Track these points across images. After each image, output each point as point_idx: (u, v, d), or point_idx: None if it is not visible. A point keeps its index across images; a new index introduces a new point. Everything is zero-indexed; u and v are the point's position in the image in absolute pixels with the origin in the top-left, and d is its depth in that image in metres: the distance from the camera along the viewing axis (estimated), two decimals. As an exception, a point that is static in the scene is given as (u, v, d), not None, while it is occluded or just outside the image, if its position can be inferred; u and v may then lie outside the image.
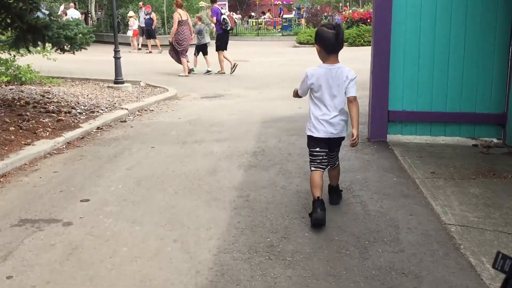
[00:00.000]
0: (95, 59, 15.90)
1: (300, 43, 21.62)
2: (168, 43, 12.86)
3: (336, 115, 3.35)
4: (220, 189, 4.07)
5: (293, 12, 35.59)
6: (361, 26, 21.10)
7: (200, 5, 25.45)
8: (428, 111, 5.16)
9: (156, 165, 4.81)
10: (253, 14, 34.13)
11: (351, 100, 3.35)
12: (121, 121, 7.06)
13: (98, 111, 7.33)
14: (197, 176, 4.43)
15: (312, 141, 3.45)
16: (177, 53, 12.62)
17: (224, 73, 13.02)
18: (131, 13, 20.31)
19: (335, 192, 3.70)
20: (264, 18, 31.61)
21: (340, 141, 3.52)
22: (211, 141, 5.71)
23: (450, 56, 5.06)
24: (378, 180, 4.12)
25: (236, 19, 19.79)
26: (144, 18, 19.46)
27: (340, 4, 27.92)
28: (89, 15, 27.72)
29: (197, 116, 7.33)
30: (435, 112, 5.15)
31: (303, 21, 26.64)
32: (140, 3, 21.18)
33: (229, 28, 12.86)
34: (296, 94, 3.70)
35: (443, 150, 4.98)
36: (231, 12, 13.41)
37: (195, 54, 13.56)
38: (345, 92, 3.35)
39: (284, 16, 31.29)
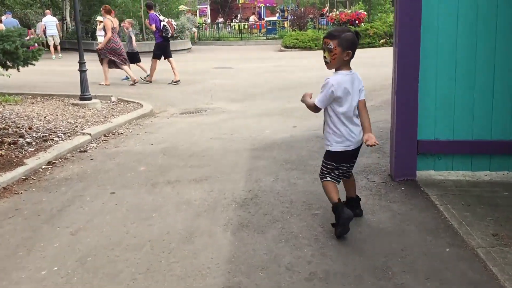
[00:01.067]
0: (66, 70, 14.47)
1: (286, 46, 20.41)
2: (99, 52, 11.66)
3: (359, 124, 3.16)
4: (199, 272, 2.78)
5: (277, 15, 34.41)
6: (349, 27, 19.95)
7: (180, 9, 24.13)
8: (468, 140, 3.94)
9: (113, 225, 3.50)
10: (237, 17, 32.79)
11: (364, 104, 3.19)
12: (81, 151, 5.73)
13: (53, 139, 5.98)
14: (166, 246, 3.13)
15: (338, 156, 3.19)
16: (113, 62, 11.58)
17: (151, 82, 11.99)
18: (99, 18, 18.34)
19: (356, 203, 3.43)
20: (239, 22, 30.33)
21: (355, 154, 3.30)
22: (188, 182, 4.41)
23: (497, 69, 3.84)
24: (424, 253, 2.86)
25: (220, 22, 18.31)
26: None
27: (327, 7, 26.77)
28: (65, 22, 26.16)
29: (174, 142, 6.03)
30: (478, 141, 3.93)
31: (287, 23, 25.43)
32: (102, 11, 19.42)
33: (169, 35, 12.00)
34: (314, 108, 3.23)
35: (493, 192, 3.75)
36: (170, 19, 12.52)
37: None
38: None
39: (268, 18, 30.06)
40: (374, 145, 3.06)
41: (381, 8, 22.79)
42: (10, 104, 8.37)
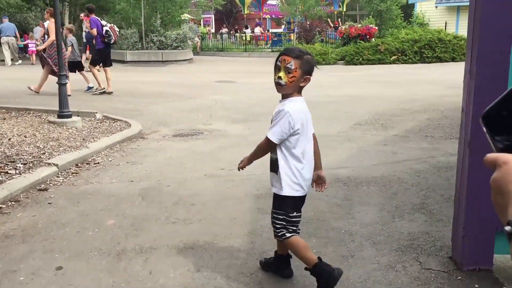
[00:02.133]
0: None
1: (292, 60, 19.27)
2: (40, 55, 10.58)
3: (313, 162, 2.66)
4: None
5: (282, 26, 33.34)
6: (360, 42, 18.83)
7: (183, 18, 23.05)
8: None
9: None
10: (248, 28, 31.58)
11: (315, 138, 2.69)
12: (40, 189, 4.51)
13: (8, 171, 4.76)
14: None
15: (294, 202, 2.59)
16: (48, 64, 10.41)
17: (104, 88, 10.99)
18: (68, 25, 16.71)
19: (286, 262, 2.81)
20: (245, 33, 29.25)
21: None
22: (168, 251, 3.19)
23: None
24: None
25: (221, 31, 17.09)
26: (85, 32, 16.60)
27: (333, 22, 25.69)
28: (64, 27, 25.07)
29: (159, 179, 4.81)
30: None
31: (293, 36, 24.35)
32: (81, 15, 18.20)
33: (112, 41, 11.08)
34: (267, 145, 2.63)
35: None
36: (113, 24, 11.52)
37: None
38: None
39: (273, 30, 28.98)
40: (322, 191, 2.74)
41: (392, 23, 21.67)
42: (-24, 120, 7.18)
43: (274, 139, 2.52)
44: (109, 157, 5.84)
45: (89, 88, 11.28)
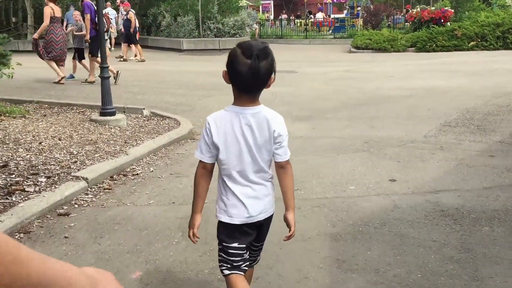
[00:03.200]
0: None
1: (357, 47, 17.74)
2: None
3: (261, 182, 2.04)
4: None
5: (345, 12, 31.53)
6: (433, 27, 16.99)
7: (241, 4, 21.99)
8: None
9: None
10: (310, 14, 30.03)
11: (283, 166, 2.05)
12: (60, 214, 3.59)
13: (25, 189, 3.89)
14: None
15: (227, 230, 2.04)
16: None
17: (94, 82, 9.92)
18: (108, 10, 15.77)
19: None
20: (311, 19, 27.75)
21: (268, 224, 2.12)
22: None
23: None
24: None
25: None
26: (122, 19, 15.52)
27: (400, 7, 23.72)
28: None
29: (206, 202, 3.79)
30: None
31: (358, 21, 22.66)
32: (118, 1, 17.18)
33: (105, 29, 10.03)
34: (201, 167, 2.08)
35: None
36: (107, 12, 10.33)
37: (74, 58, 10.75)
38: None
39: (335, 15, 27.33)
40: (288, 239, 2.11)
41: (470, 5, 19.54)
42: (14, 117, 6.46)
43: (197, 154, 2.08)
44: (151, 166, 4.89)
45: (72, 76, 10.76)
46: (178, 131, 6.20)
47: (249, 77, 1.91)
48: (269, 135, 1.98)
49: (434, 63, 13.60)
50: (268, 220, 2.11)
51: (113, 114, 6.36)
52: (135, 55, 15.01)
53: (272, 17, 35.66)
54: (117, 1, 17.32)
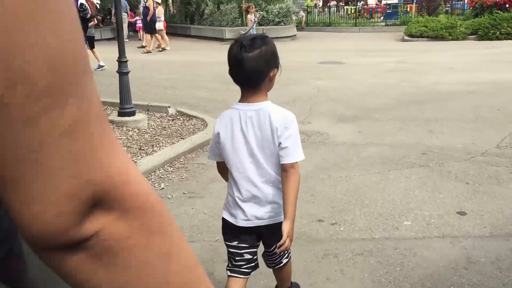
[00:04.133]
0: (146, 59, 12.08)
1: (411, 35, 16.32)
2: None
3: (264, 182, 1.88)
4: None
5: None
6: (497, 13, 15.32)
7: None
8: None
9: None
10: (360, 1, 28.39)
11: (285, 169, 1.84)
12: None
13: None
14: None
15: (226, 228, 2.01)
16: None
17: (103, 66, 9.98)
18: None
19: None
20: (364, 4, 26.20)
21: (277, 231, 1.85)
22: None
23: None
24: None
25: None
26: (142, 6, 14.61)
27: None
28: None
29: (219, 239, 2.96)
30: None
31: (412, 7, 21.04)
32: None
33: (88, 16, 9.49)
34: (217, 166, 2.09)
35: None
36: None
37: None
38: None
39: (388, 1, 25.65)
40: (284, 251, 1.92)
41: (540, -12, 17.56)
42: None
43: (211, 155, 2.03)
44: (162, 181, 4.12)
45: (100, 66, 10.35)
46: (202, 135, 5.41)
47: (235, 69, 1.82)
48: (271, 134, 1.82)
49: (499, 53, 12.11)
50: (271, 228, 1.91)
51: (132, 114, 5.63)
52: (158, 45, 14.39)
53: (320, 3, 34.24)
54: None
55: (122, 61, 5.48)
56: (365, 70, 10.27)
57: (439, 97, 7.30)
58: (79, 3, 9.48)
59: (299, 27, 22.27)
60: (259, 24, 17.46)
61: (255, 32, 12.21)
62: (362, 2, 27.16)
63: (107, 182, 0.39)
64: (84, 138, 0.38)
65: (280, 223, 1.86)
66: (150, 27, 13.81)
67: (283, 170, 1.84)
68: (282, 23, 17.46)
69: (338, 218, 3.16)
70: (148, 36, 14.00)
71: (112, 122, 5.65)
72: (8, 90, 0.34)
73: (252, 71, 1.79)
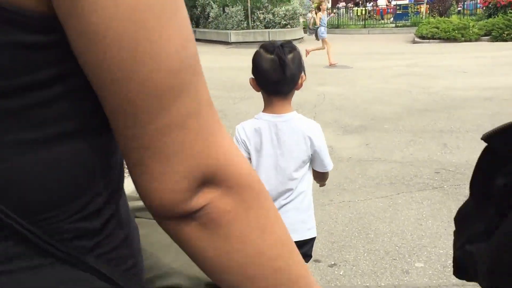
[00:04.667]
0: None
1: (422, 37, 15.77)
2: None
3: (286, 203, 1.78)
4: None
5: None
6: (511, 13, 14.73)
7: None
8: None
9: None
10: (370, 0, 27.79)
11: (323, 177, 1.92)
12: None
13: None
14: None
15: None
16: None
17: None
18: None
19: None
20: (374, 5, 25.65)
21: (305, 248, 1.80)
22: None
23: None
24: None
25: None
26: None
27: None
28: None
29: None
30: None
31: (423, 8, 20.46)
32: None
33: None
34: None
35: None
36: None
37: None
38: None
39: (397, 2, 25.06)
40: None
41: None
42: None
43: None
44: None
45: None
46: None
47: (275, 72, 1.71)
48: (304, 145, 1.76)
49: (510, 54, 11.55)
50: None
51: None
52: None
53: (329, 5, 33.73)
54: None
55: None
56: (373, 75, 9.78)
57: (452, 104, 6.79)
58: None
59: (306, 29, 21.82)
60: (265, 27, 17.03)
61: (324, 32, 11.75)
62: (372, 3, 26.63)
63: (215, 163, 0.46)
64: (196, 128, 0.44)
65: (306, 240, 1.80)
66: None
67: (320, 178, 1.93)
68: (289, 26, 17.01)
69: (338, 258, 2.68)
70: None
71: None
72: (133, 93, 0.41)
73: (294, 74, 1.74)
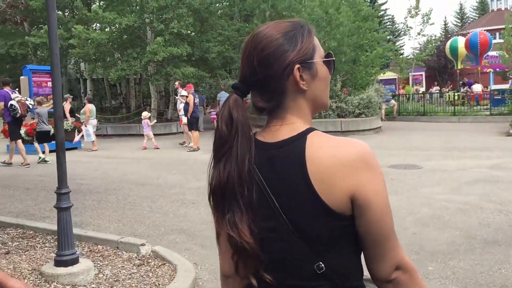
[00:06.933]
0: (193, 158, 10.92)
1: (518, 128, 13.53)
2: None
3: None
4: None
5: (510, 81, 26.37)
6: None
7: (380, 77, 19.26)
8: None
9: None
10: (464, 86, 25.66)
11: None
12: None
13: None
14: None
15: None
16: None
17: (28, 165, 10.79)
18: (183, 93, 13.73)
19: None
20: (467, 91, 23.48)
21: None
22: None
23: None
24: None
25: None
26: (182, 103, 13.88)
27: None
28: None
29: None
30: None
31: (523, 93, 18.05)
32: (176, 83, 15.55)
33: (18, 115, 10.45)
34: None
35: None
36: (25, 97, 10.91)
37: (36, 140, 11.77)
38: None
39: (495, 87, 22.65)
40: None
41: None
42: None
43: None
44: None
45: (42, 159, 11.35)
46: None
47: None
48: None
49: None
50: None
51: (73, 262, 4.20)
52: (189, 142, 13.61)
53: (423, 89, 31.89)
54: (175, 84, 15.99)
55: (61, 192, 4.19)
56: (443, 179, 8.05)
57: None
58: (9, 104, 10.26)
59: (390, 117, 20.30)
60: (339, 115, 15.92)
61: None
62: (466, 87, 24.46)
63: (400, 260, 1.15)
64: (394, 244, 1.18)
65: None
66: (191, 124, 13.01)
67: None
68: (364, 115, 15.71)
69: None
70: (196, 132, 13.11)
71: (42, 275, 4.19)
72: (383, 232, 1.23)
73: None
